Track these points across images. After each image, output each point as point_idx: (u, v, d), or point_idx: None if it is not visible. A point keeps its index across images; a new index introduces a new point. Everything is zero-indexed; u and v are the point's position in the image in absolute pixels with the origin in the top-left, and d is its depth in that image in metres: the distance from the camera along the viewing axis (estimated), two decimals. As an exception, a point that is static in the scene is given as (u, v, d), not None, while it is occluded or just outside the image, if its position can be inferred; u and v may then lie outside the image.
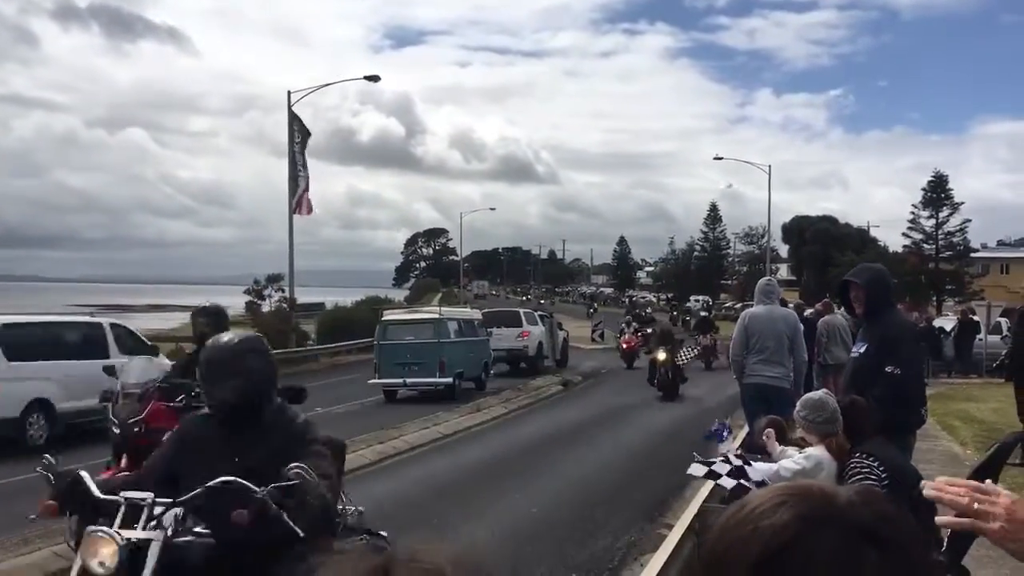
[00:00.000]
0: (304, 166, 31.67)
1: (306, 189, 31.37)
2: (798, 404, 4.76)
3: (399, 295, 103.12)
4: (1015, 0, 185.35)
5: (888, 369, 5.47)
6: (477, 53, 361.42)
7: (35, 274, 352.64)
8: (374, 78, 34.54)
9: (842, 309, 9.21)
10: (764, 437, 5.10)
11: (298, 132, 31.61)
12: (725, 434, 5.78)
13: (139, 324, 62.18)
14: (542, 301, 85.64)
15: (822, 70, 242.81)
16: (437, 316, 21.88)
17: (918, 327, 20.39)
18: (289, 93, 31.54)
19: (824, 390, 5.13)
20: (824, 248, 69.06)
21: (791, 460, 4.62)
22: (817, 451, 4.53)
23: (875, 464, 4.38)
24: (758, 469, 4.69)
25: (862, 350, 5.70)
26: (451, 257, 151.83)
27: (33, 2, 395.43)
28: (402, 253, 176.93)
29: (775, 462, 4.87)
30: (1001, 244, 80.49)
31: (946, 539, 4.45)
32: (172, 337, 48.53)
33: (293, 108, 31.45)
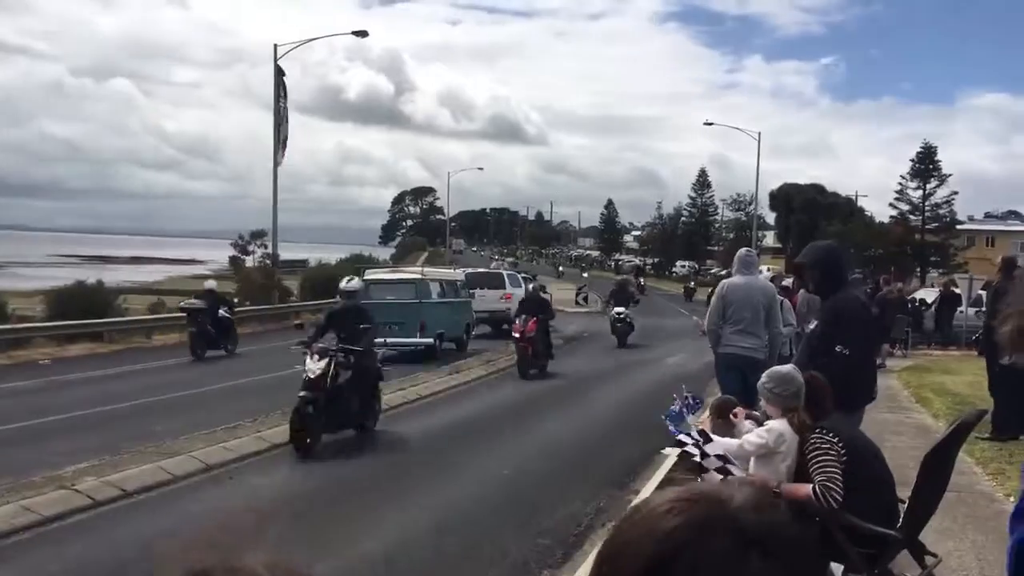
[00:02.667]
0: (286, 118, 31.46)
1: (284, 141, 31.29)
2: (764, 376, 4.76)
3: (385, 254, 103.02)
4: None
5: (838, 348, 5.52)
6: (468, 11, 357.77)
7: (19, 223, 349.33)
8: (362, 33, 34.13)
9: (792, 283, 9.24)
10: (731, 417, 5.11)
11: (283, 85, 31.28)
12: (689, 406, 5.76)
13: (120, 276, 61.93)
14: (509, 260, 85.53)
15: (812, 38, 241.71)
16: (419, 276, 21.81)
17: (887, 300, 20.53)
18: (275, 47, 31.16)
19: (791, 365, 5.12)
20: (811, 217, 69.15)
21: (754, 434, 4.63)
22: (779, 424, 4.54)
23: (835, 440, 4.39)
24: (719, 443, 4.70)
25: (811, 326, 5.78)
26: (438, 216, 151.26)
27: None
28: (389, 211, 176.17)
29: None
30: (988, 216, 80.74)
31: (902, 513, 4.49)
32: (154, 290, 48.42)
33: (279, 62, 31.08)
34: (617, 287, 26.54)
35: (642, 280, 52.47)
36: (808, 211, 72.51)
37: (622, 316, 24.24)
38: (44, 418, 12.18)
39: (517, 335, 17.67)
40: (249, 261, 35.72)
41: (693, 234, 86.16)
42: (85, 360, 19.94)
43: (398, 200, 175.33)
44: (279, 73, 31.19)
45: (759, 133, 49.16)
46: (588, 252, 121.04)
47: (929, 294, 27.92)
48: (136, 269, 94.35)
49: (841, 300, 5.84)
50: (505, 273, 30.13)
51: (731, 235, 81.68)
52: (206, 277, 30.78)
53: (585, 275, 58.72)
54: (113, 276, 55.58)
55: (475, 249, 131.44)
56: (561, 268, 62.79)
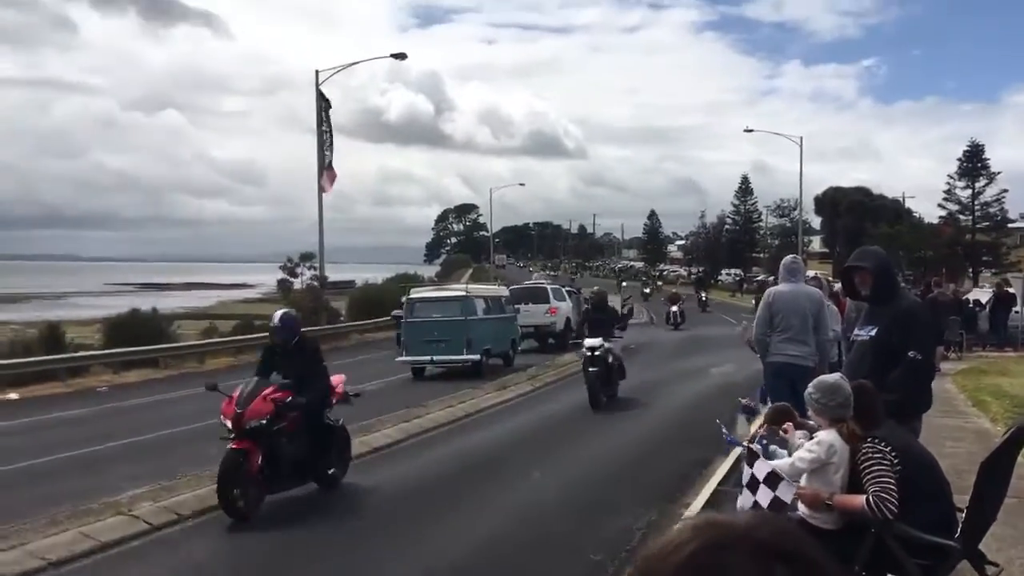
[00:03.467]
0: (331, 145, 31.83)
1: (329, 165, 31.62)
2: (810, 386, 4.70)
3: (430, 271, 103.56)
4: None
5: (911, 354, 5.39)
6: (503, 30, 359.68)
7: (74, 253, 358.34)
8: (401, 56, 34.48)
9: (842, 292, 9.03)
10: (781, 432, 5.05)
11: (324, 110, 31.72)
12: (756, 409, 5.64)
13: (173, 303, 63.00)
14: (574, 276, 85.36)
15: (850, 41, 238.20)
16: (464, 293, 21.91)
17: (938, 302, 20.11)
18: (317, 72, 31.64)
19: (838, 374, 5.06)
20: (858, 220, 68.09)
21: (804, 449, 4.58)
22: (828, 435, 4.48)
23: (887, 449, 4.33)
24: (767, 464, 4.64)
25: (872, 333, 5.62)
26: (482, 233, 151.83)
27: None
28: (433, 229, 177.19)
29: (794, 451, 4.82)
30: (1041, 214, 78.76)
31: (960, 522, 4.41)
32: (207, 315, 49.21)
33: (321, 87, 31.53)
34: (593, 305, 17.00)
35: (703, 295, 50.84)
36: (854, 214, 71.44)
37: (597, 354, 15.03)
38: (102, 445, 12.45)
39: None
40: (297, 284, 36.14)
41: (737, 242, 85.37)
42: (142, 386, 20.36)
43: (442, 218, 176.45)
44: (321, 98, 31.64)
45: (800, 138, 48.62)
46: (632, 263, 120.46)
47: (983, 295, 27.32)
48: (189, 295, 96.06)
49: (912, 305, 5.77)
50: (549, 287, 30.11)
51: (776, 241, 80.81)
52: (257, 301, 31.21)
53: (624, 284, 58.02)
54: (167, 303, 56.74)
55: (521, 264, 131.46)
56: (624, 283, 60.22)
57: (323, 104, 31.73)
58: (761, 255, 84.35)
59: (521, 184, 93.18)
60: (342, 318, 35.11)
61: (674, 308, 36.40)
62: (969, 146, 57.43)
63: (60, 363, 21.04)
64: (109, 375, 21.61)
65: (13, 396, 18.51)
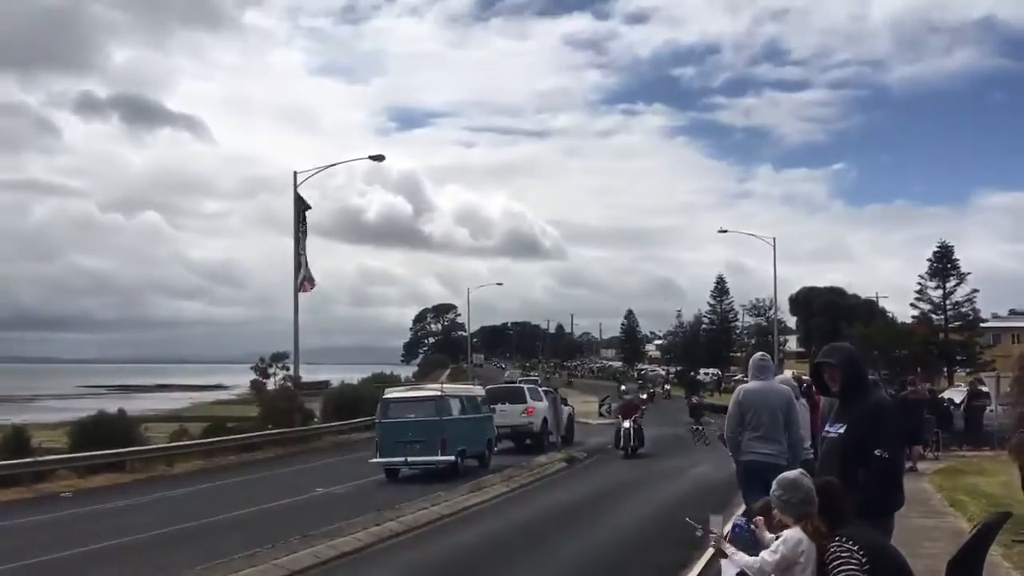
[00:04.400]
0: (303, 246, 32.07)
1: (306, 267, 31.75)
2: (774, 483, 4.65)
3: (408, 372, 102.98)
4: (1001, 79, 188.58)
5: (877, 452, 5.34)
6: (481, 134, 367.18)
7: (50, 356, 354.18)
8: (379, 157, 35.09)
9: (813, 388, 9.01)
10: (753, 526, 4.96)
11: (302, 211, 32.02)
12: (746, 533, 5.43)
13: (145, 405, 61.97)
14: (572, 379, 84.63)
15: (819, 145, 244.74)
16: (439, 393, 21.73)
17: (912, 401, 20.13)
18: (295, 174, 32.07)
19: (799, 470, 5.00)
20: (832, 320, 68.87)
21: (769, 548, 4.49)
22: (794, 533, 4.40)
23: (855, 548, 4.25)
24: (737, 562, 4.56)
25: (841, 430, 5.57)
26: (459, 332, 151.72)
27: (56, 94, 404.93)
28: (411, 329, 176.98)
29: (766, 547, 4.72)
30: (1013, 314, 79.98)
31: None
32: (177, 417, 48.39)
33: (299, 188, 31.91)
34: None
35: (695, 398, 48.14)
36: (828, 313, 72.26)
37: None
38: (59, 552, 12.04)
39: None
40: (271, 384, 35.66)
41: (715, 341, 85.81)
42: (106, 491, 19.84)
43: (420, 318, 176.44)
44: (299, 199, 31.96)
45: (774, 238, 49.51)
46: (610, 363, 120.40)
47: (957, 394, 27.43)
48: (162, 397, 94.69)
49: (878, 401, 5.73)
50: (526, 387, 29.96)
51: (753, 340, 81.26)
52: (230, 402, 30.81)
53: (623, 387, 56.98)
54: (138, 405, 55.88)
55: (497, 364, 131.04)
56: (624, 387, 57.66)
57: (301, 205, 32.04)
58: (738, 354, 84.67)
59: (499, 284, 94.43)
60: (316, 419, 34.60)
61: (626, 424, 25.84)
62: (939, 247, 58.71)
63: (24, 467, 20.49)
64: (74, 479, 21.06)
65: (-27, 502, 17.95)
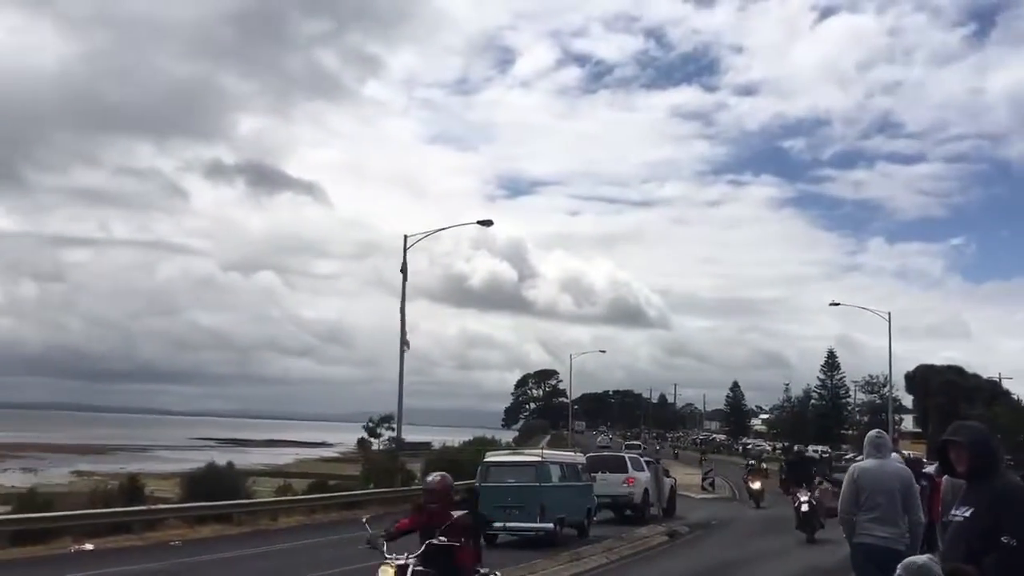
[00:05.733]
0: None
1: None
2: (899, 568, 4.39)
3: (508, 436, 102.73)
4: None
5: (1004, 539, 5.01)
6: (587, 202, 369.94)
7: (167, 407, 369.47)
8: (487, 223, 35.60)
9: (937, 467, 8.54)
10: None
11: (407, 274, 32.68)
12: None
13: (253, 459, 63.52)
14: (656, 446, 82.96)
15: (935, 219, 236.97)
16: (539, 458, 21.55)
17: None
18: (405, 237, 32.82)
19: (928, 555, 4.72)
20: (951, 400, 65.65)
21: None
22: (917, 623, 4.14)
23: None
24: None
25: (967, 514, 5.25)
26: (561, 399, 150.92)
27: (187, 160, 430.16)
28: (512, 394, 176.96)
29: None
30: None
31: None
32: (283, 472, 49.44)
33: (408, 252, 32.63)
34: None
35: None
36: (947, 393, 68.94)
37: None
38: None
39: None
40: (376, 444, 36.18)
41: (825, 417, 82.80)
42: (213, 542, 20.30)
43: (521, 383, 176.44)
44: (406, 262, 32.66)
45: (888, 313, 47.83)
46: (715, 435, 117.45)
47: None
48: (269, 452, 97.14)
49: (1008, 485, 5.40)
50: (627, 456, 29.44)
51: (866, 418, 78.09)
52: (334, 460, 31.37)
53: (751, 462, 55.91)
54: (246, 458, 57.48)
55: (603, 432, 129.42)
56: (676, 451, 57.43)
57: (405, 269, 32.73)
58: (850, 432, 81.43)
59: (602, 351, 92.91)
60: (417, 480, 34.78)
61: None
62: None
63: (136, 515, 21.19)
64: (184, 529, 21.65)
65: (88, 547, 18.61)
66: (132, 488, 23.74)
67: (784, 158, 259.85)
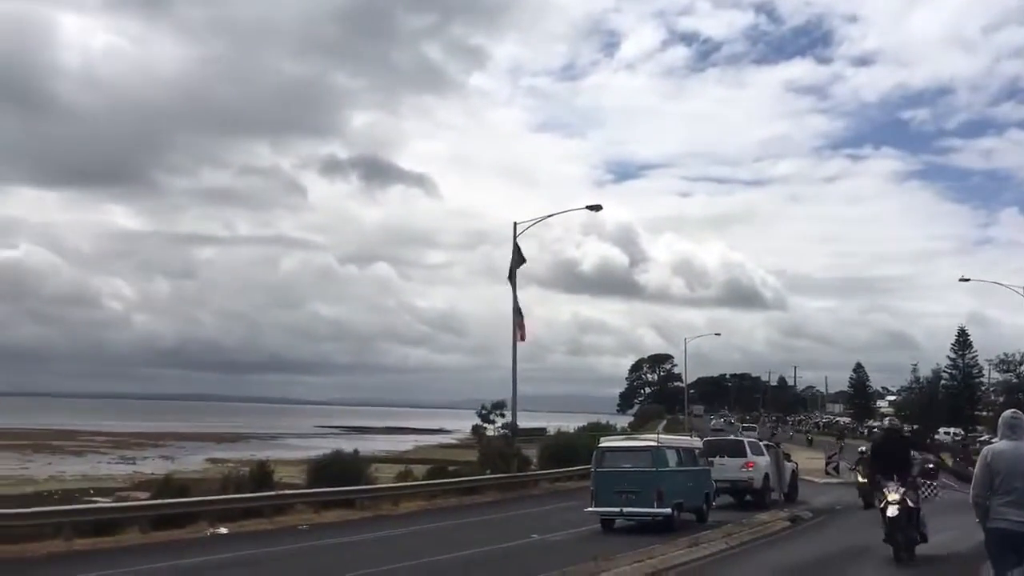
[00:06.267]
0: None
1: (521, 316, 32.36)
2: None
3: (623, 421, 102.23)
4: None
5: None
6: (698, 183, 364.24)
7: (292, 397, 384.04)
8: (596, 207, 35.41)
9: None
10: None
11: (517, 261, 32.82)
12: None
13: (374, 446, 65.21)
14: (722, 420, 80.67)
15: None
16: (654, 443, 21.38)
17: None
18: (515, 224, 32.98)
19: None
20: (1097, 377, 61.64)
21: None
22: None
23: None
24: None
25: None
26: (676, 383, 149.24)
27: (304, 157, 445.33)
28: (626, 379, 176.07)
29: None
30: None
31: None
32: (403, 459, 50.60)
33: (518, 239, 32.78)
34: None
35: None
36: (1093, 370, 64.76)
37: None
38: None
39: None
40: (490, 430, 36.71)
41: (956, 398, 79.16)
42: (338, 526, 21.01)
43: (635, 368, 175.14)
44: (516, 250, 32.82)
45: (1025, 287, 45.20)
46: (837, 419, 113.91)
47: None
48: (390, 439, 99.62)
49: None
50: (746, 440, 28.88)
51: (1001, 398, 74.26)
52: (452, 447, 31.94)
53: (842, 443, 54.31)
54: (368, 445, 59.05)
55: (718, 416, 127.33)
56: (810, 437, 56.90)
57: (518, 256, 32.87)
58: (984, 413, 77.63)
59: (717, 334, 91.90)
60: (532, 466, 35.06)
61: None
62: None
63: (266, 500, 22.11)
64: (310, 513, 22.45)
65: (223, 531, 19.54)
66: (262, 474, 24.74)
67: (906, 129, 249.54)
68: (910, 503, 13.55)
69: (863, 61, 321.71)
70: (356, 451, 30.68)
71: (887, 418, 15.17)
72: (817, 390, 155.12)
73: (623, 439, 25.42)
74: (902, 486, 13.64)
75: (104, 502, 27.95)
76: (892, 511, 13.43)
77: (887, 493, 13.57)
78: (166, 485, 23.18)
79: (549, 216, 35.71)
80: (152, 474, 41.48)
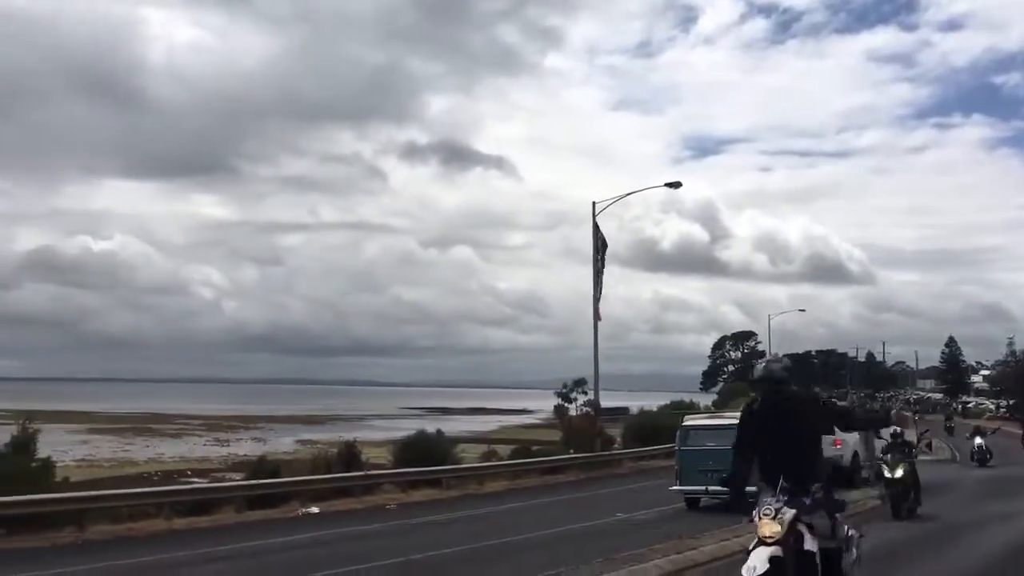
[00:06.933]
0: (600, 273, 32.66)
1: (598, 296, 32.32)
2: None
3: (707, 400, 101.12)
4: None
5: None
6: (779, 157, 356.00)
7: (375, 379, 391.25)
8: (675, 184, 35.02)
9: None
10: None
11: (600, 241, 32.72)
12: None
13: (458, 427, 66.06)
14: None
15: None
16: (739, 421, 21.08)
17: None
18: (594, 204, 32.87)
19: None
20: None
21: None
22: None
23: None
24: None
25: None
26: (760, 360, 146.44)
27: (384, 143, 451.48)
28: (709, 357, 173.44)
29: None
30: None
31: None
32: (487, 439, 51.10)
33: (597, 218, 32.66)
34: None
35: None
36: None
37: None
38: (385, 560, 13.15)
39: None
40: (572, 409, 36.73)
41: (1059, 371, 75.83)
42: (426, 505, 21.38)
43: (718, 345, 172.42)
44: (596, 229, 32.72)
45: None
46: (930, 395, 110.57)
47: None
48: (473, 419, 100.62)
49: None
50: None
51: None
52: (535, 426, 32.14)
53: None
54: (452, 426, 59.80)
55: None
56: (952, 424, 53.93)
57: (598, 235, 32.78)
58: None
59: (801, 310, 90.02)
60: (616, 445, 35.03)
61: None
62: None
63: (355, 480, 22.65)
64: (397, 493, 22.91)
65: (314, 510, 20.10)
66: (350, 455, 25.34)
67: (997, 95, 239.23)
68: (809, 547, 6.16)
69: (951, 26, 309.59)
70: (440, 431, 31.12)
71: (765, 360, 7.90)
72: (907, 366, 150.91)
73: (707, 417, 25.21)
74: (796, 508, 6.20)
75: (201, 483, 29.01)
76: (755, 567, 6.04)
77: (758, 523, 6.24)
78: (260, 466, 23.95)
79: (628, 195, 35.43)
80: (245, 455, 42.88)
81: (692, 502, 20.19)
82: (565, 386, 38.08)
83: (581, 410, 35.32)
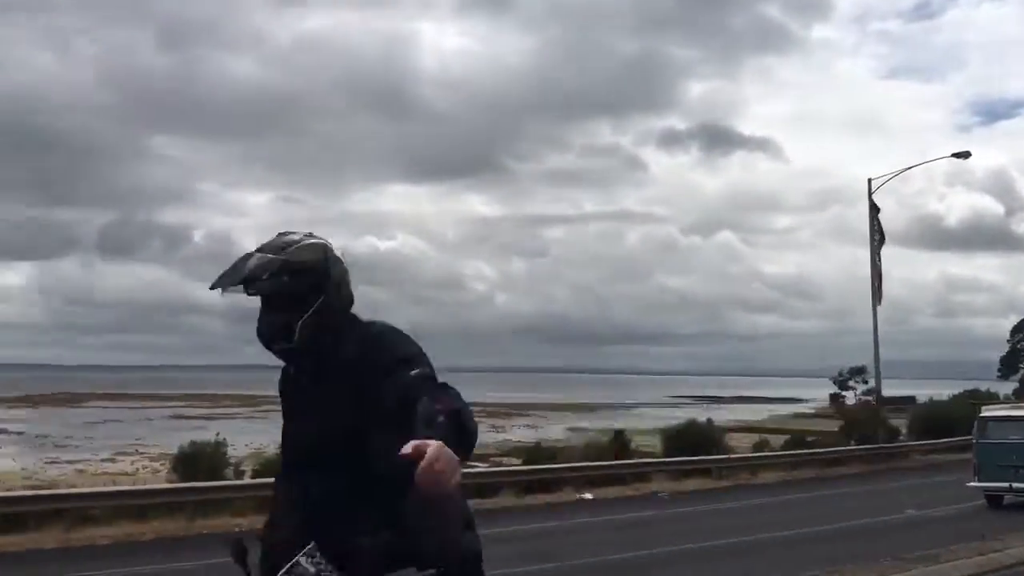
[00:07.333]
0: (877, 253, 30.84)
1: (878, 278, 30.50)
2: None
3: (1005, 388, 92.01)
4: None
5: None
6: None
7: (640, 367, 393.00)
8: (964, 155, 32.42)
9: None
10: None
11: (877, 223, 30.92)
12: None
13: (726, 416, 64.93)
14: None
15: None
16: (1050, 413, 19.11)
17: None
18: (869, 181, 31.06)
19: None
20: None
21: None
22: None
23: None
24: None
25: None
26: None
27: (642, 132, 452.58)
28: (1008, 341, 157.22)
29: None
30: None
31: None
32: (757, 428, 49.76)
33: (873, 196, 30.84)
34: None
35: None
36: None
37: None
38: (665, 548, 13.28)
39: None
40: (849, 398, 34.99)
41: None
42: (698, 495, 21.26)
43: (1018, 328, 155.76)
44: (872, 207, 30.89)
45: None
46: None
47: None
48: (741, 408, 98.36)
49: None
50: None
51: None
52: (808, 416, 31.03)
53: None
54: (720, 415, 58.86)
55: None
56: None
57: (874, 213, 30.95)
58: None
59: (1121, 286, 78.67)
60: (902, 436, 32.91)
61: None
62: None
63: (626, 468, 22.95)
64: (668, 482, 22.93)
65: (588, 496, 20.60)
66: (620, 443, 25.70)
67: None
68: None
69: None
70: (710, 420, 30.79)
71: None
72: None
73: (1009, 407, 23.07)
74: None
75: (482, 467, 30.63)
76: None
77: None
78: (536, 452, 24.91)
79: (908, 169, 33.10)
80: (519, 441, 44.68)
81: (993, 500, 18.57)
82: (840, 374, 36.40)
83: (860, 399, 33.52)
